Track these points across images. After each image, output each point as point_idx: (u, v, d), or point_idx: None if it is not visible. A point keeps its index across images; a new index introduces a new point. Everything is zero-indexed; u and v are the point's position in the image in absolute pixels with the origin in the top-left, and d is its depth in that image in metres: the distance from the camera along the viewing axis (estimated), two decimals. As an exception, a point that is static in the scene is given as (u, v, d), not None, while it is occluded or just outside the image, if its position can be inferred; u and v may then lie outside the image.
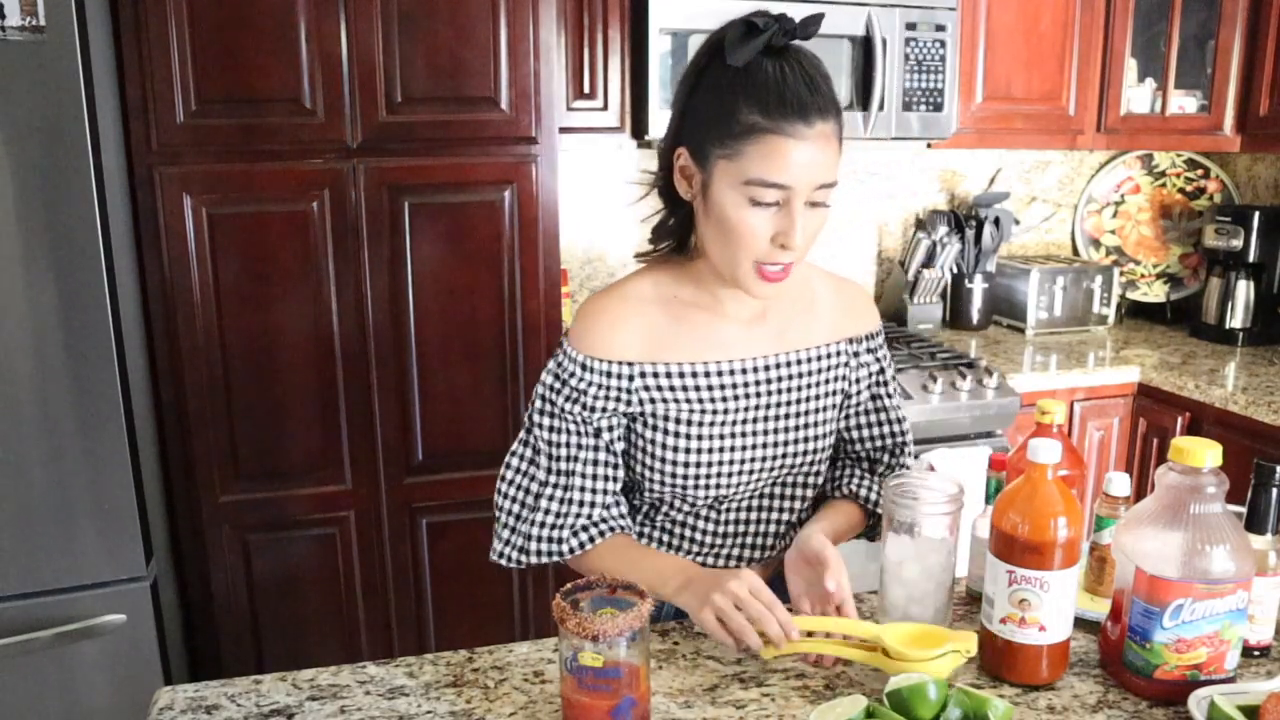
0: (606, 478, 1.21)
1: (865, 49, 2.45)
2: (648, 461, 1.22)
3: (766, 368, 1.23)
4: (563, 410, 1.20)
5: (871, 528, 1.35)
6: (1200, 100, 2.85)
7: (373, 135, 2.03)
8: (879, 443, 1.34)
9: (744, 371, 1.22)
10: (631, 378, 1.19)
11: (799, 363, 1.25)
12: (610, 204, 2.76)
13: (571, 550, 1.20)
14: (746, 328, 1.23)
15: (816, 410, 1.26)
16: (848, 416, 1.33)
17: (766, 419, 1.23)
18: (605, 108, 2.38)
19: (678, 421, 1.20)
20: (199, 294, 2.00)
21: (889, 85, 2.48)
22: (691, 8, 2.31)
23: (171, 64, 1.90)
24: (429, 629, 2.29)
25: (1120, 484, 1.23)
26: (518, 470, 1.24)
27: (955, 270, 2.95)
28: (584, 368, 1.18)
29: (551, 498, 1.21)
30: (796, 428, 1.25)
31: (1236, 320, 2.83)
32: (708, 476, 1.22)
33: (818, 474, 1.31)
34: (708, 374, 1.21)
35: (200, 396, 2.04)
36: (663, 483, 1.22)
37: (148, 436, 2.02)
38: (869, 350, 1.31)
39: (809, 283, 1.28)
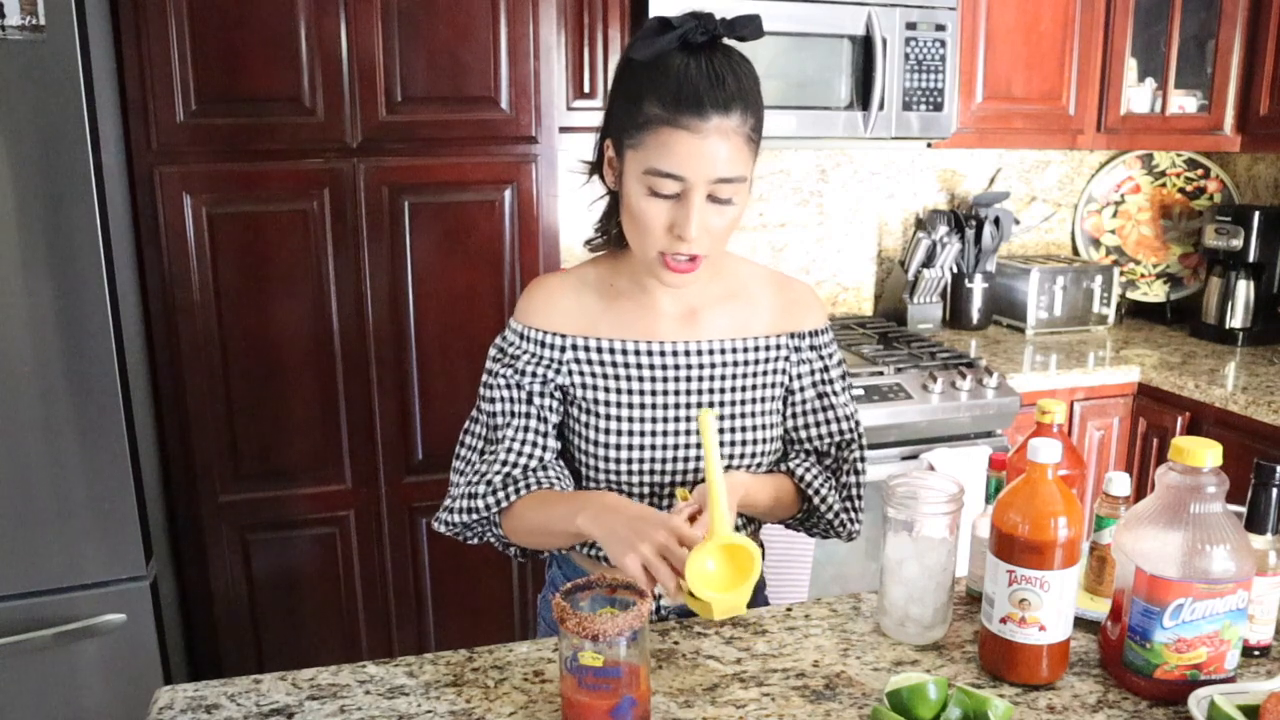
0: (534, 443, 1.23)
1: (865, 49, 2.45)
2: (583, 445, 1.24)
3: (699, 353, 1.24)
4: (498, 377, 1.25)
5: (807, 517, 1.31)
6: (1200, 100, 2.85)
7: (373, 135, 2.03)
8: (825, 440, 1.31)
9: (674, 354, 1.23)
10: (563, 349, 1.23)
11: (732, 351, 1.25)
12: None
13: (488, 507, 1.21)
14: (677, 321, 1.25)
15: (752, 402, 1.26)
16: (794, 415, 1.31)
17: (699, 406, 1.24)
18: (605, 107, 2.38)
19: (607, 404, 1.22)
20: (199, 294, 2.00)
21: (889, 85, 2.48)
22: (692, 7, 2.30)
23: (171, 64, 1.90)
24: (429, 629, 2.29)
25: (1120, 484, 1.23)
26: (466, 445, 1.29)
27: (955, 270, 2.95)
28: (520, 336, 1.25)
29: (479, 460, 1.25)
30: (731, 416, 1.25)
31: (1236, 320, 2.83)
32: (640, 461, 1.22)
33: (761, 471, 1.29)
34: (637, 352, 1.23)
35: (200, 396, 2.04)
36: (598, 468, 1.23)
37: (148, 436, 2.02)
38: (811, 347, 1.29)
39: (747, 283, 1.29)
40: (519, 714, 1.03)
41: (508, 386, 1.24)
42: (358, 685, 1.08)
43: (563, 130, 2.28)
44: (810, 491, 1.26)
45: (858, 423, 1.33)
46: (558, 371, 1.23)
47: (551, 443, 1.25)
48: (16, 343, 1.74)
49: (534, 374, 1.23)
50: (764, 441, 1.27)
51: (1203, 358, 2.70)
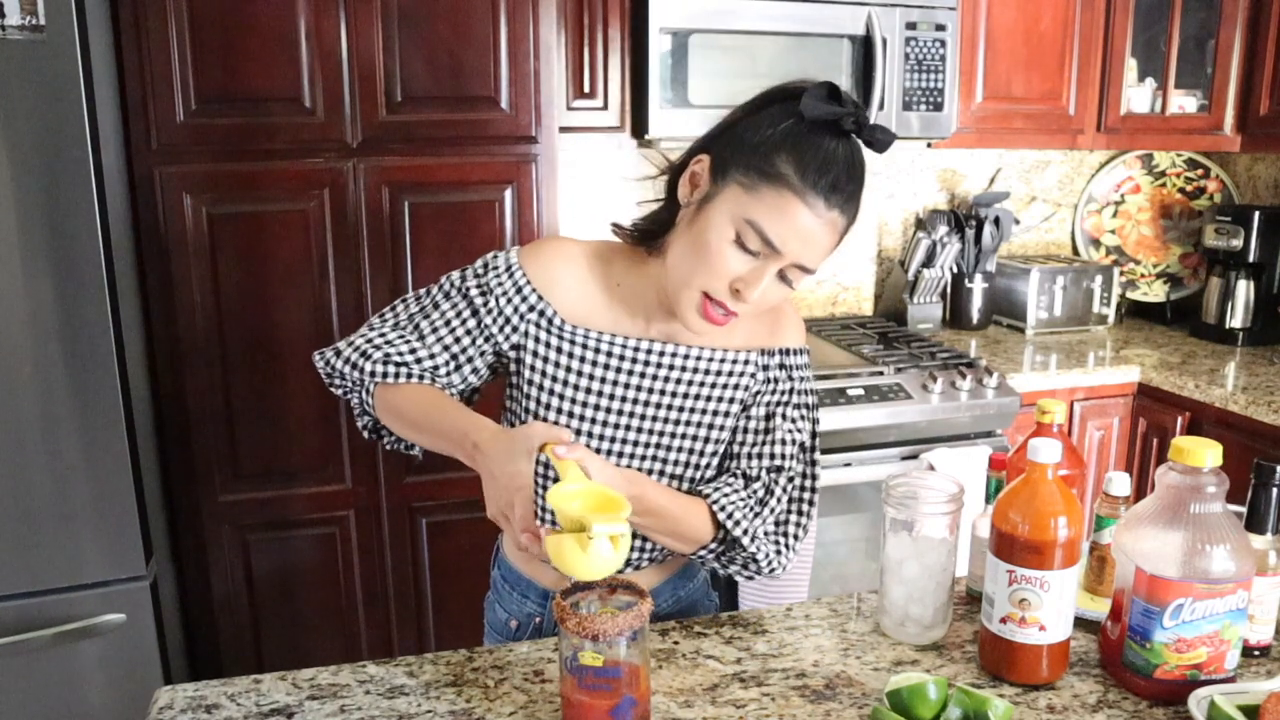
0: (447, 364, 1.18)
1: (865, 49, 2.45)
2: (524, 416, 1.21)
3: (662, 353, 1.21)
4: (464, 290, 1.20)
5: (725, 550, 1.20)
6: (1200, 100, 2.85)
7: (373, 135, 2.03)
8: (757, 463, 1.22)
9: (641, 351, 1.20)
10: (533, 308, 1.19)
11: (698, 358, 1.22)
12: (610, 203, 2.76)
13: (373, 374, 1.16)
14: (660, 328, 1.22)
15: (704, 412, 1.22)
16: (738, 429, 1.24)
17: (648, 404, 1.20)
18: (605, 107, 2.38)
19: (559, 381, 1.19)
20: (199, 294, 2.00)
21: (889, 85, 2.48)
22: (691, 7, 2.31)
23: (171, 64, 1.90)
24: (429, 629, 2.29)
25: (1120, 484, 1.23)
26: (394, 311, 1.23)
27: (955, 270, 2.95)
28: (509, 271, 1.20)
29: (391, 330, 1.20)
30: (678, 422, 1.21)
31: (1236, 320, 2.83)
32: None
33: (701, 482, 1.24)
34: (611, 343, 1.19)
35: (200, 396, 2.04)
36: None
37: (148, 436, 2.02)
38: (781, 366, 1.24)
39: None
40: (519, 714, 1.03)
41: (467, 303, 1.19)
42: (358, 685, 1.08)
43: (563, 130, 2.28)
44: (724, 516, 1.17)
45: (806, 451, 1.25)
46: (515, 329, 1.19)
47: (455, 381, 1.20)
48: (16, 343, 1.74)
49: (496, 313, 1.19)
50: (705, 458, 1.24)
51: (1203, 358, 2.70)
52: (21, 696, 1.85)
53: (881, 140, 1.08)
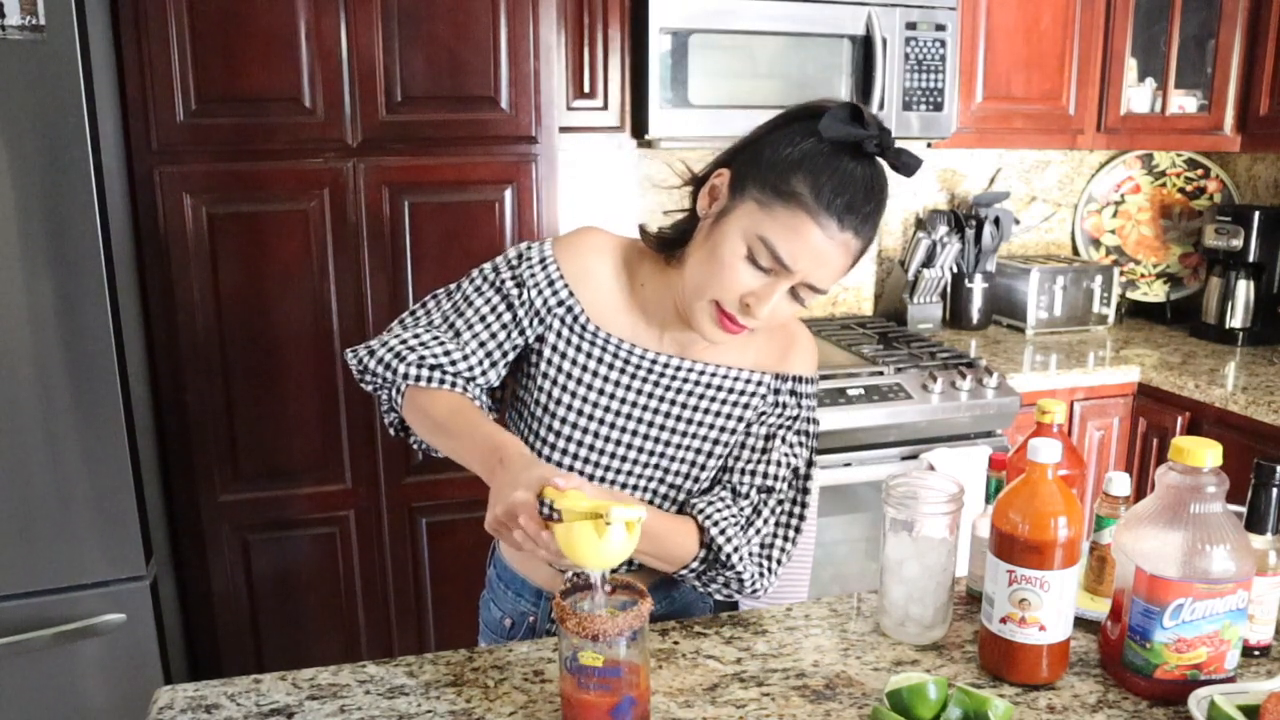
0: (482, 362, 1.18)
1: (865, 48, 2.45)
2: (536, 411, 1.21)
3: (679, 367, 1.21)
4: (498, 282, 1.20)
5: (708, 566, 1.20)
6: (1200, 100, 2.85)
7: (372, 134, 2.03)
8: (749, 479, 1.23)
9: (657, 363, 1.20)
10: (562, 303, 1.19)
11: (712, 375, 1.22)
12: (610, 204, 2.76)
13: (406, 377, 1.15)
14: (676, 337, 1.22)
15: (711, 427, 1.23)
16: (736, 445, 1.25)
17: (657, 412, 1.21)
18: (605, 107, 2.38)
19: (569, 376, 1.19)
20: (199, 294, 2.00)
21: (889, 85, 2.48)
22: (691, 7, 2.31)
23: (171, 63, 1.90)
24: (429, 629, 2.29)
25: (1120, 484, 1.23)
26: (425, 309, 1.23)
27: (955, 270, 2.95)
28: (543, 263, 1.19)
29: (425, 330, 1.19)
30: (684, 434, 1.22)
31: (1236, 320, 2.83)
32: (579, 444, 1.20)
33: (698, 495, 1.25)
34: (630, 351, 1.20)
35: (200, 396, 2.04)
36: (540, 435, 1.21)
37: (148, 436, 2.02)
38: (792, 392, 1.25)
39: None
40: (519, 714, 1.03)
41: (501, 296, 1.19)
42: (358, 685, 1.08)
43: (563, 130, 2.29)
44: (716, 532, 1.18)
45: (800, 478, 1.25)
46: (542, 321, 1.19)
47: (491, 377, 1.19)
48: (16, 343, 1.74)
49: (528, 305, 1.18)
50: (703, 468, 1.24)
51: (1203, 358, 2.70)
52: (21, 696, 1.85)
53: (908, 164, 1.07)
